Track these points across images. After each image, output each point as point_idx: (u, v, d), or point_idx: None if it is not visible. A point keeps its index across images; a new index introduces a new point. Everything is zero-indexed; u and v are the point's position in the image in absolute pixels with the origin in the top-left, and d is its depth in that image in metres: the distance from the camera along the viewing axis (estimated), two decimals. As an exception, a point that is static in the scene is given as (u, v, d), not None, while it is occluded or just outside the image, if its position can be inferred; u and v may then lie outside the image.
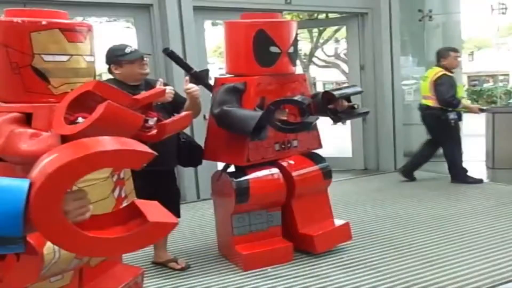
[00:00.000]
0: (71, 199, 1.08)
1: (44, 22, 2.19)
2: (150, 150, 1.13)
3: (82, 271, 2.56)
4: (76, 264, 2.39)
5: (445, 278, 3.28)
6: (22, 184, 1.01)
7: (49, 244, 2.10)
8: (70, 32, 2.24)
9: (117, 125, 1.81)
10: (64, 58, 2.24)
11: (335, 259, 3.69)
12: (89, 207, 1.13)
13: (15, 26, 2.18)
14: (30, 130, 2.00)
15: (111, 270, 2.75)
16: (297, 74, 3.86)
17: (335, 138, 8.94)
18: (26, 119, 2.16)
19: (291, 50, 3.61)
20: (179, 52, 5.05)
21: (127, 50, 3.36)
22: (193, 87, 3.41)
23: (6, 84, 2.24)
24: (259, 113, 3.29)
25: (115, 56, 3.36)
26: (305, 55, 18.45)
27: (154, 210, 1.16)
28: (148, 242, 1.12)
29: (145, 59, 3.44)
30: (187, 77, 3.52)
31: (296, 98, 3.36)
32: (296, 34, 3.70)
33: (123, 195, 2.69)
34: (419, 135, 7.97)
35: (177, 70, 4.87)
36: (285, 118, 3.33)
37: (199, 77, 3.64)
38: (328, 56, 18.93)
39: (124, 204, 2.68)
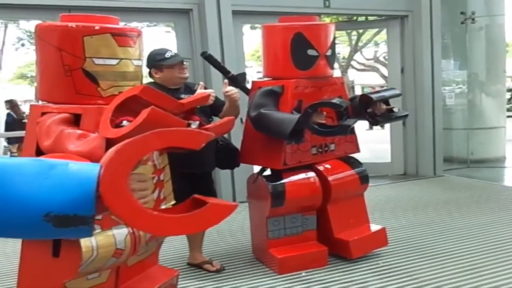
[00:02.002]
0: (135, 180, 1.15)
1: (96, 27, 2.27)
2: (209, 133, 1.22)
3: (119, 270, 2.62)
4: (113, 263, 2.44)
5: (484, 287, 3.20)
6: (94, 165, 1.08)
7: (87, 242, 2.16)
8: (120, 37, 2.32)
9: None
10: (114, 61, 2.32)
11: (370, 265, 3.65)
12: (149, 192, 1.19)
13: (69, 31, 2.27)
14: (78, 131, 2.07)
15: (148, 270, 2.80)
16: (335, 77, 3.82)
17: (373, 143, 8.85)
18: (75, 120, 2.24)
19: (329, 53, 3.59)
20: (217, 55, 5.10)
21: (167, 54, 3.41)
22: (232, 89, 3.43)
23: (58, 86, 2.32)
24: (296, 116, 3.28)
25: (156, 61, 3.41)
26: (343, 58, 18.32)
27: (213, 199, 1.20)
28: (210, 223, 1.14)
29: (184, 63, 3.49)
30: (226, 80, 3.55)
31: (333, 100, 3.33)
32: (334, 37, 3.68)
33: (162, 197, 2.74)
34: (460, 140, 7.84)
35: (216, 74, 4.92)
36: (322, 121, 3.30)
37: (237, 81, 3.66)
38: (367, 59, 18.74)
39: (163, 205, 2.73)
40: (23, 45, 17.38)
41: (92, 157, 1.76)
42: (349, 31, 15.74)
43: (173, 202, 2.83)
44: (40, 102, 2.51)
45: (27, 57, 17.48)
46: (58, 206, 1.02)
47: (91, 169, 1.07)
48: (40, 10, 5.04)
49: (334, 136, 3.63)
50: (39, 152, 2.20)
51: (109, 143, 1.90)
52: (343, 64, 18.35)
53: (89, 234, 1.09)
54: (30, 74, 18.45)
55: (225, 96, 3.44)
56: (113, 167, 1.05)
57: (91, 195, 1.04)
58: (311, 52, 3.52)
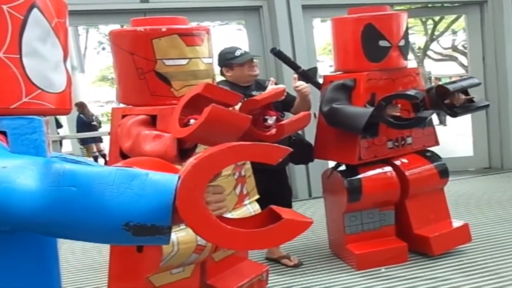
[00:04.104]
0: (211, 192, 1.15)
1: (164, 29, 2.33)
2: (287, 148, 1.20)
3: (204, 265, 2.67)
4: (195, 259, 2.50)
5: None
6: (172, 177, 1.10)
7: None
8: (188, 37, 2.36)
9: (224, 127, 1.86)
10: (184, 61, 2.36)
11: (453, 261, 3.51)
12: (225, 203, 1.19)
13: (138, 35, 2.35)
14: (155, 132, 2.14)
15: (237, 265, 2.85)
16: (409, 68, 3.69)
17: (452, 136, 8.50)
18: (152, 121, 2.32)
19: (401, 43, 3.48)
20: (288, 51, 5.09)
21: (237, 53, 3.45)
22: (302, 84, 3.42)
23: (134, 89, 2.41)
24: (369, 109, 3.21)
25: (226, 59, 3.46)
26: (419, 48, 17.73)
27: (289, 213, 1.18)
28: (283, 239, 1.13)
29: (254, 61, 3.51)
30: (295, 75, 3.54)
31: (408, 92, 3.23)
32: (407, 26, 3.56)
33: (244, 192, 2.80)
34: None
35: (287, 70, 4.89)
36: (397, 113, 3.21)
37: (307, 76, 3.64)
38: (445, 48, 18.01)
39: (246, 201, 2.78)
40: (103, 48, 18.26)
41: (165, 157, 1.81)
42: (424, 19, 15.20)
43: (257, 196, 2.89)
44: (121, 105, 2.62)
45: (107, 59, 18.34)
46: (137, 216, 1.04)
47: (170, 180, 1.08)
48: (117, 15, 5.27)
49: (410, 129, 3.51)
50: (123, 153, 2.29)
51: (180, 142, 1.94)
52: (418, 54, 17.77)
53: (166, 242, 1.11)
54: (111, 76, 19.34)
55: (295, 91, 3.43)
56: (189, 181, 1.06)
57: (169, 206, 1.05)
58: (382, 43, 3.41)
